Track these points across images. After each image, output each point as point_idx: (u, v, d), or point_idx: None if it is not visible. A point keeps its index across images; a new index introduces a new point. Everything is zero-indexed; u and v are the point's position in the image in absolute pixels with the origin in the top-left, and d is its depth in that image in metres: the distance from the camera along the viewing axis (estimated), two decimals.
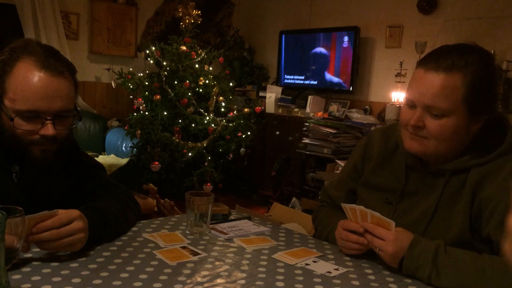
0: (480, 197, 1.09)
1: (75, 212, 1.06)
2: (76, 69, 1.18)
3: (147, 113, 4.00)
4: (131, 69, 4.25)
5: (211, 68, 4.41)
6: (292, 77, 5.04)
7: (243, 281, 1.00)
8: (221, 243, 1.24)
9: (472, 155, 1.13)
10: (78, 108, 1.22)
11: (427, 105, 1.10)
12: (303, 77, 4.94)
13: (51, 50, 1.14)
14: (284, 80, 5.13)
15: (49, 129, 1.10)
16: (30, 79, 1.07)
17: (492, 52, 3.55)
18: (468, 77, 1.08)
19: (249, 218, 1.48)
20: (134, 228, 1.31)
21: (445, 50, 1.12)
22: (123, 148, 4.20)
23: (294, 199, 3.61)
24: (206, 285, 0.98)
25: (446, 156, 1.15)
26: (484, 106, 1.11)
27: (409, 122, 1.14)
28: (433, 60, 1.11)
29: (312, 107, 4.58)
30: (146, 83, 4.07)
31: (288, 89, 5.01)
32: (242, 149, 4.33)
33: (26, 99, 1.07)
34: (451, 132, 1.10)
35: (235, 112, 4.34)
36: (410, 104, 1.15)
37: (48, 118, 1.10)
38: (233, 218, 1.47)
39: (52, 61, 1.10)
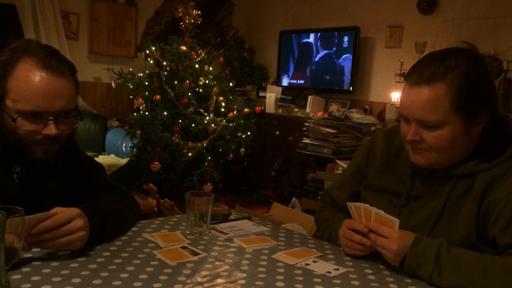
0: (488, 200, 1.08)
1: (74, 210, 1.07)
2: (76, 69, 1.19)
3: (147, 113, 4.00)
4: (131, 69, 4.25)
5: (211, 68, 4.41)
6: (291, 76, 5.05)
7: (243, 281, 1.00)
8: (221, 243, 1.24)
9: (479, 160, 1.11)
10: (79, 108, 1.23)
11: (418, 119, 1.10)
12: (303, 77, 4.94)
13: (52, 50, 1.14)
14: (283, 80, 5.13)
15: (51, 129, 1.11)
16: (32, 79, 1.08)
17: (492, 52, 3.55)
18: (453, 84, 1.05)
19: (249, 218, 1.48)
20: (134, 228, 1.31)
21: (427, 60, 1.11)
22: (123, 148, 4.21)
23: (294, 199, 3.61)
24: (206, 285, 0.98)
25: (454, 162, 1.14)
26: (480, 108, 1.08)
27: (406, 138, 1.14)
28: (415, 73, 1.10)
29: (312, 107, 4.58)
30: (146, 83, 4.07)
31: (288, 89, 5.02)
32: (242, 149, 4.33)
33: (28, 100, 1.08)
34: (449, 141, 1.09)
35: (235, 112, 4.34)
36: (405, 119, 1.14)
37: (50, 118, 1.11)
38: (233, 218, 1.47)
39: (53, 61, 1.11)
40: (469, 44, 1.13)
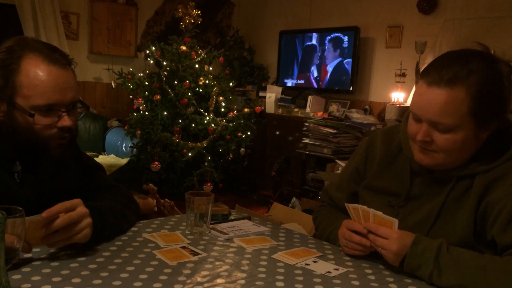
0: (487, 201, 1.08)
1: (76, 199, 1.08)
2: (72, 60, 1.21)
3: (147, 113, 4.00)
4: (131, 69, 4.25)
5: (211, 68, 4.41)
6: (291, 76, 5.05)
7: (243, 281, 1.00)
8: (221, 243, 1.24)
9: (479, 161, 1.11)
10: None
11: (432, 121, 1.07)
12: (302, 77, 4.94)
13: (51, 46, 1.18)
14: (284, 80, 5.13)
15: (66, 120, 1.14)
16: (42, 74, 1.10)
17: (492, 52, 3.54)
18: (472, 88, 1.03)
19: (249, 218, 1.48)
20: (134, 228, 1.31)
21: (447, 60, 1.08)
22: (123, 148, 4.20)
23: (294, 199, 3.61)
24: (206, 285, 0.98)
25: (458, 164, 1.13)
26: (493, 114, 1.07)
27: (417, 138, 1.11)
28: (435, 72, 1.06)
29: (312, 107, 4.58)
30: (146, 83, 4.07)
31: (288, 89, 5.02)
32: (242, 149, 4.33)
33: (42, 94, 1.10)
34: (460, 144, 1.08)
35: (235, 112, 4.34)
36: (416, 118, 1.12)
37: (63, 110, 1.14)
38: (233, 218, 1.47)
39: (57, 55, 1.14)
40: (484, 46, 1.11)
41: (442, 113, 1.05)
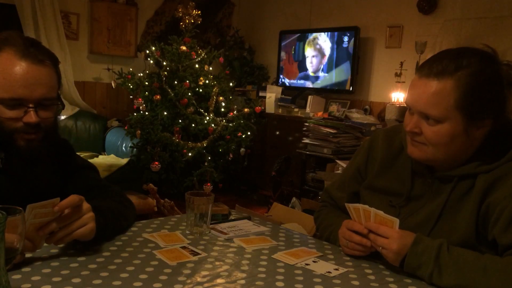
0: (488, 202, 1.08)
1: (78, 196, 1.08)
2: (58, 59, 1.20)
3: (147, 113, 3.99)
4: (131, 69, 4.24)
5: (211, 68, 4.41)
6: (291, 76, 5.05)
7: (243, 281, 1.00)
8: (221, 243, 1.24)
9: (480, 161, 1.11)
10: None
11: (420, 111, 1.10)
12: (303, 77, 4.94)
13: (32, 41, 1.16)
14: (283, 80, 5.13)
15: (31, 117, 1.12)
16: (11, 68, 1.10)
17: None
18: (460, 82, 1.05)
19: (249, 218, 1.48)
20: (134, 228, 1.31)
21: (440, 55, 1.11)
22: (123, 148, 4.20)
23: (294, 199, 3.62)
24: (206, 285, 0.98)
25: (452, 162, 1.13)
26: (484, 110, 1.08)
27: (406, 128, 1.14)
28: (427, 66, 1.10)
29: (312, 107, 4.58)
30: (146, 83, 4.07)
31: (288, 89, 5.01)
32: (242, 149, 4.33)
33: (8, 87, 1.09)
34: (447, 138, 1.09)
35: (235, 112, 4.34)
36: (409, 110, 1.15)
37: (30, 105, 1.12)
38: (233, 218, 1.47)
39: (32, 50, 1.12)
40: (490, 48, 1.12)
41: (430, 103, 1.08)
